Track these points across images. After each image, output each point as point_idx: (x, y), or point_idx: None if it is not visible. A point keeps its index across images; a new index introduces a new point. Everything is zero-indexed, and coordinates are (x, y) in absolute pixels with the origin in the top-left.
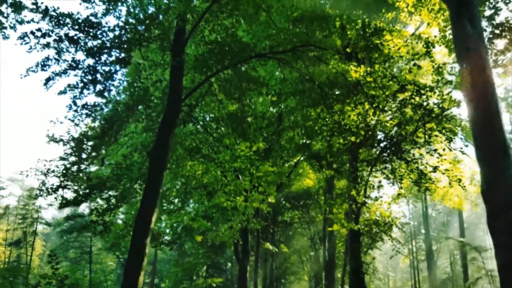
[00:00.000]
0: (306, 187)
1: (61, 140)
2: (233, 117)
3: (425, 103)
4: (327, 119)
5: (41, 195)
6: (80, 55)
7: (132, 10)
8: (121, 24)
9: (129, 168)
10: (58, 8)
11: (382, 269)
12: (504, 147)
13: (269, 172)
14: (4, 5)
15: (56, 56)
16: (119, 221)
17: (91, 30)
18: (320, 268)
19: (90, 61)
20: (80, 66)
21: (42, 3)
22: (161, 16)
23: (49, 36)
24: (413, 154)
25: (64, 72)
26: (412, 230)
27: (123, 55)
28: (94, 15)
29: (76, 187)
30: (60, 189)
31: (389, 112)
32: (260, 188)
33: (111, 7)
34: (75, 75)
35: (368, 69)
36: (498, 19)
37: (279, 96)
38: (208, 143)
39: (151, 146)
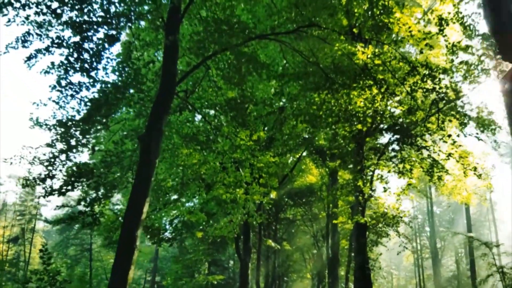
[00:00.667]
0: (309, 183)
1: (46, 124)
2: (232, 104)
3: (437, 87)
4: (332, 104)
5: (27, 185)
6: (65, 31)
7: None
8: None
9: (120, 157)
10: None
11: (386, 267)
12: None
13: (271, 163)
14: None
15: (37, 31)
16: (110, 213)
17: (76, 2)
18: (323, 265)
19: (76, 38)
20: (64, 44)
21: None
22: None
23: (29, 7)
24: (425, 141)
25: (47, 49)
26: (416, 228)
27: (112, 32)
28: None
29: (64, 177)
30: (48, 179)
31: (399, 97)
32: (261, 180)
33: None
34: (61, 54)
35: (377, 50)
36: None
37: (281, 77)
38: (206, 132)
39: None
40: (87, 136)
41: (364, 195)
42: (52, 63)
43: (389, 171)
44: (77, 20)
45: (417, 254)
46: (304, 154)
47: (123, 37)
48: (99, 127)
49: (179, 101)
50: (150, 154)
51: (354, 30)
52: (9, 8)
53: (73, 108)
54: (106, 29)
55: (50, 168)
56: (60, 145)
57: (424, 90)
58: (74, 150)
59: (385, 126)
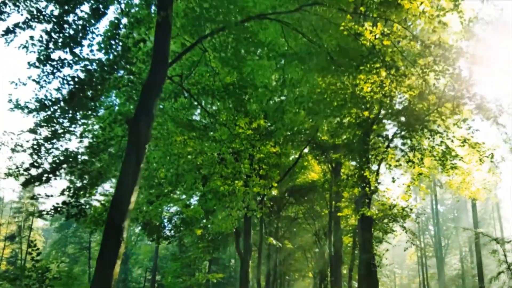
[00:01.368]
0: (311, 180)
1: (27, 107)
2: (231, 90)
3: (451, 69)
4: (338, 87)
5: (10, 175)
6: (46, 3)
7: None
8: None
9: (108, 143)
10: None
11: (389, 265)
12: None
13: (271, 153)
14: None
15: (14, 1)
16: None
17: None
18: (325, 264)
19: (58, 12)
20: (46, 17)
21: None
22: None
23: None
24: (438, 126)
25: (26, 23)
26: (420, 226)
27: (98, 5)
28: None
29: (49, 165)
30: (33, 169)
31: (409, 81)
32: (261, 171)
33: None
34: (42, 30)
35: (385, 30)
36: None
37: (282, 56)
38: (203, 120)
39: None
40: (74, 123)
41: (370, 187)
42: (32, 37)
43: (398, 160)
44: None
45: (420, 253)
46: (306, 150)
47: (112, 14)
48: (86, 113)
49: (174, 86)
50: (139, 139)
51: (361, 8)
52: None
53: (56, 90)
54: (92, 1)
55: (35, 156)
56: (45, 132)
57: (437, 72)
58: (61, 138)
59: (395, 111)
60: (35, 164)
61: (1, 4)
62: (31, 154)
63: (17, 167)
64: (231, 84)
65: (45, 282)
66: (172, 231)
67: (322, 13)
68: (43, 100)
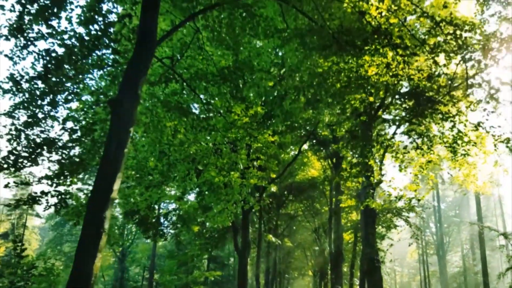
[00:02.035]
0: (311, 177)
1: (0, 87)
2: (226, 74)
3: (463, 47)
4: (341, 68)
5: None
6: None
7: None
8: None
9: (90, 128)
10: None
11: (389, 263)
12: None
13: (270, 143)
14: None
15: None
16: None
17: None
18: (326, 262)
19: None
20: None
21: None
22: None
23: None
24: (449, 110)
25: None
26: (421, 223)
27: None
28: None
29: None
30: (11, 156)
31: (418, 63)
32: (258, 161)
33: None
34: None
35: (392, 6)
36: None
37: (281, 32)
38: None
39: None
40: (55, 106)
41: (374, 176)
42: (2, 7)
43: (405, 147)
44: None
45: (422, 250)
46: (306, 147)
47: None
48: (68, 97)
49: (164, 70)
50: (122, 122)
51: None
52: None
53: (31, 67)
54: None
55: (14, 144)
56: (24, 117)
57: (448, 52)
58: (42, 123)
59: (403, 94)
60: (13, 152)
61: None
62: (9, 140)
63: None
64: (226, 68)
65: (31, 279)
66: (169, 228)
67: None
68: (16, 78)
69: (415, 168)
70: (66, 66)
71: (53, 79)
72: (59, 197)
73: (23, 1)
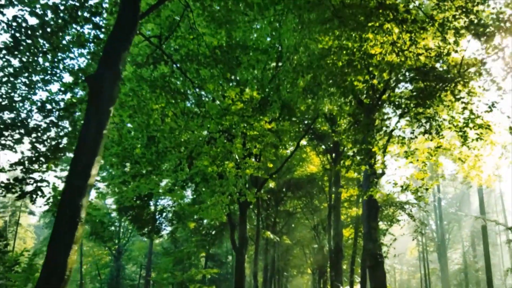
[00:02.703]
0: (310, 173)
1: None
2: (218, 54)
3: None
4: (343, 44)
5: None
6: None
7: None
8: None
9: (68, 110)
10: None
11: (389, 260)
12: None
13: (266, 131)
14: None
15: None
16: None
17: None
18: (325, 259)
19: None
20: None
21: None
22: None
23: None
24: (459, 91)
25: None
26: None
27: None
28: None
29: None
30: None
31: (425, 41)
32: (254, 150)
33: None
34: None
35: None
36: None
37: (274, 2)
38: (186, 88)
39: None
40: (32, 87)
41: (378, 163)
42: None
43: (412, 132)
44: None
45: (422, 248)
46: (304, 143)
47: None
48: (45, 77)
49: (152, 49)
50: (101, 100)
51: None
52: None
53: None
54: None
55: None
56: None
57: (457, 29)
58: (18, 106)
59: (409, 74)
60: None
61: None
62: None
63: None
64: (218, 48)
65: (12, 276)
66: (164, 225)
67: None
68: None
69: (422, 154)
70: (41, 41)
71: (27, 54)
72: (34, 185)
73: None
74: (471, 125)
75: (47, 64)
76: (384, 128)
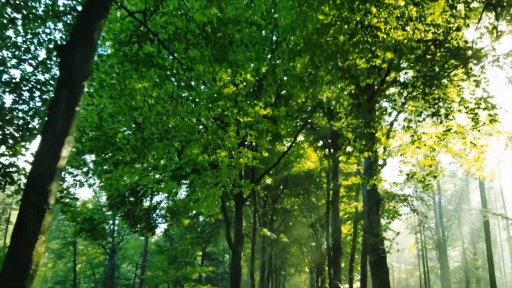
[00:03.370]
0: (307, 170)
1: None
2: (209, 32)
3: None
4: (344, 16)
5: None
6: None
7: None
8: None
9: (41, 88)
10: None
11: (388, 258)
12: None
13: (261, 118)
14: None
15: None
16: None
17: None
18: (323, 257)
19: None
20: None
21: None
22: None
23: None
24: (471, 68)
25: None
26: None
27: None
28: None
29: None
30: None
31: (433, 16)
32: (249, 137)
33: None
34: None
35: None
36: None
37: None
38: (175, 73)
39: None
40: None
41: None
42: None
43: (419, 115)
44: None
45: (421, 245)
46: (302, 138)
47: None
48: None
49: (136, 26)
50: (73, 73)
51: None
52: None
53: None
54: None
55: None
56: None
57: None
58: None
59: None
60: None
61: None
62: None
63: None
64: (208, 24)
65: None
66: (157, 222)
67: None
68: None
69: (430, 139)
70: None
71: None
72: (2, 170)
73: None
74: (483, 105)
75: (20, 39)
76: (389, 110)
